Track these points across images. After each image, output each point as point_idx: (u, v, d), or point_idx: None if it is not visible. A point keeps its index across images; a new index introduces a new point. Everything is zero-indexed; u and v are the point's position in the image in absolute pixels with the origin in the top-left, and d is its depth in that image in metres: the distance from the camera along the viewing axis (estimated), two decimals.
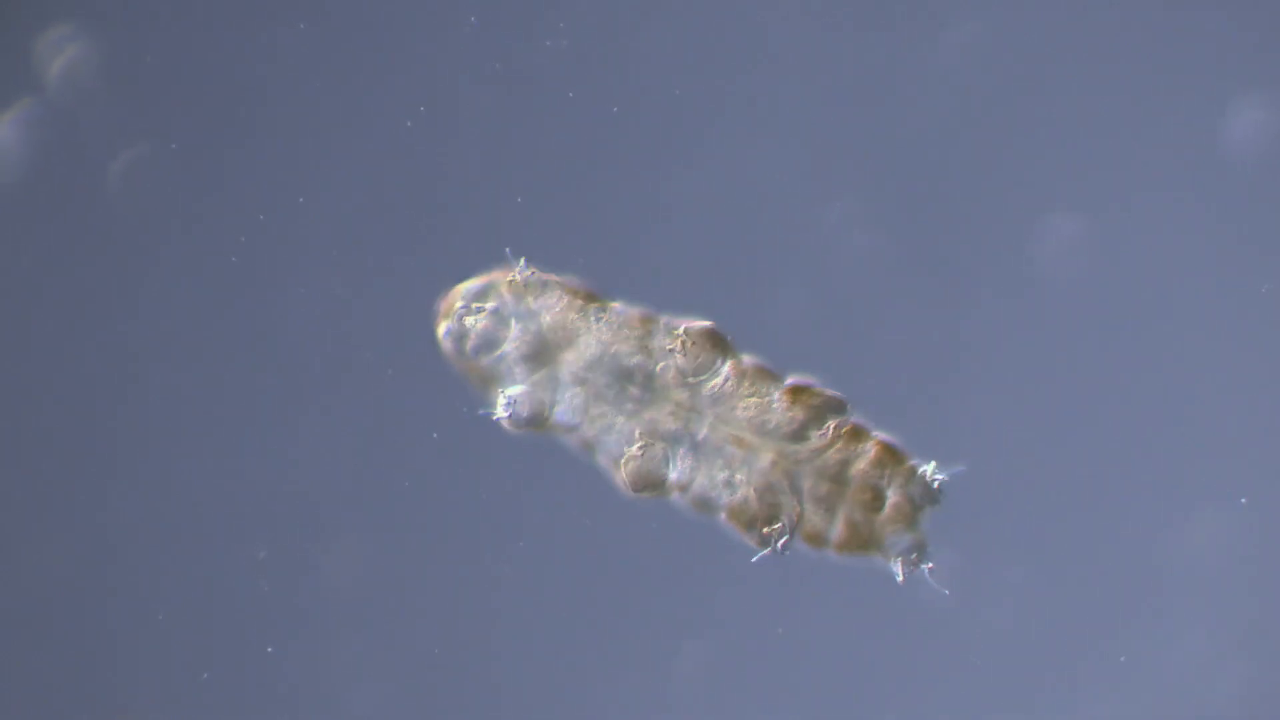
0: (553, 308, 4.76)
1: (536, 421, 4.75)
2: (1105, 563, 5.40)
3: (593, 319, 4.75)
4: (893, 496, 4.75)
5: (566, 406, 4.75)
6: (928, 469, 4.77)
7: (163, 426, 5.40)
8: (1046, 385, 5.43)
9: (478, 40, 5.38)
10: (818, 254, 5.41)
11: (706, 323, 4.78)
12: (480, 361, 4.75)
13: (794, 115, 5.45)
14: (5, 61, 5.38)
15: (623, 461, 4.74)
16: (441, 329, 4.77)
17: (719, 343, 4.74)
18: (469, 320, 4.75)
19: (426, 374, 4.93)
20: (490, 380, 4.77)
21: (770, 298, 5.34)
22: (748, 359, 4.79)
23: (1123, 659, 5.38)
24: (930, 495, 4.76)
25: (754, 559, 4.78)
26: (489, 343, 4.75)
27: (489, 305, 4.75)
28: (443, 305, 4.78)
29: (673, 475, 4.75)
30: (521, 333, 4.74)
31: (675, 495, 4.77)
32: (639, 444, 4.73)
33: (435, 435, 5.25)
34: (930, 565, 4.76)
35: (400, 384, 5.28)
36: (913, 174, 5.46)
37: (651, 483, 4.74)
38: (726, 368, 4.74)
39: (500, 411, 4.75)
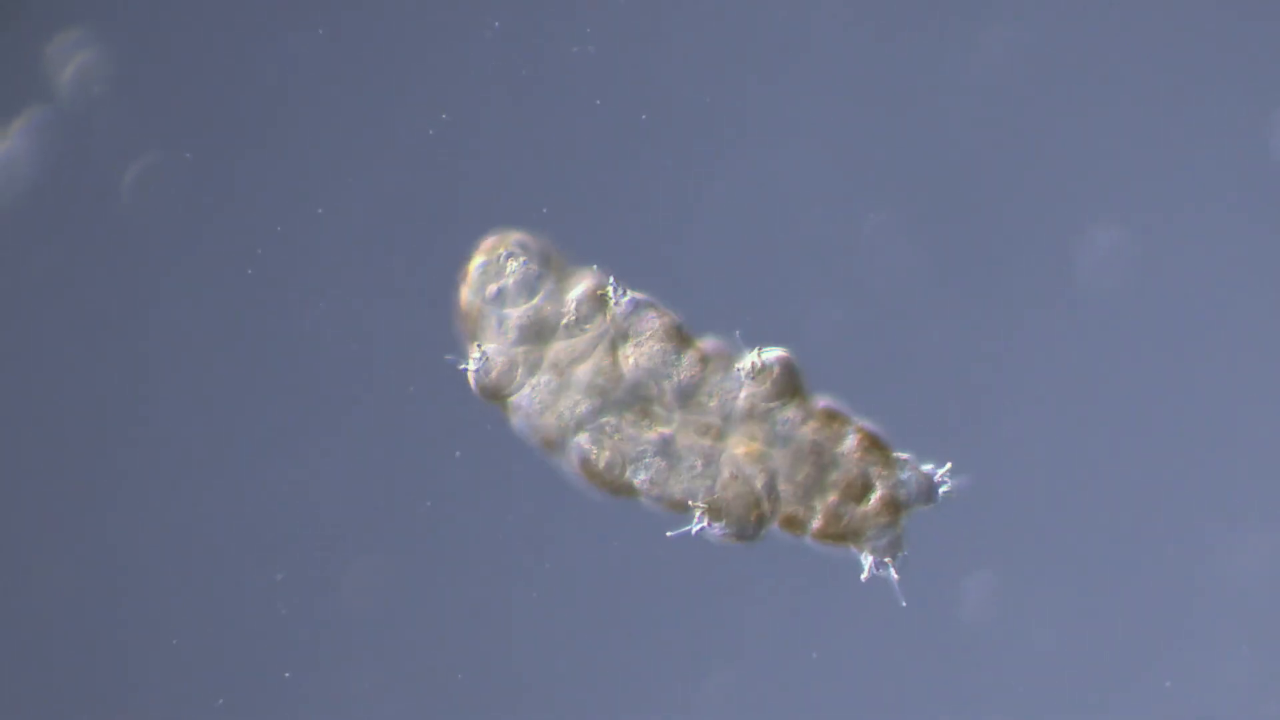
0: (577, 298, 4.68)
1: (498, 391, 4.65)
2: (1149, 585, 5.34)
3: (601, 317, 4.67)
4: (880, 488, 4.64)
5: (534, 391, 4.66)
6: (939, 470, 4.68)
7: (176, 443, 5.36)
8: (1088, 400, 5.38)
9: (501, 46, 5.34)
10: (852, 266, 5.36)
11: (667, 316, 4.68)
12: (488, 308, 4.66)
13: (828, 124, 5.41)
14: (15, 68, 5.35)
15: (583, 460, 4.66)
16: (478, 260, 4.69)
17: (677, 335, 4.67)
18: (511, 265, 4.67)
19: (449, 391, 4.86)
20: (480, 331, 4.67)
21: (804, 311, 5.29)
22: (708, 345, 4.71)
23: (1168, 684, 5.32)
24: (929, 495, 4.67)
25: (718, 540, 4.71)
26: (508, 297, 4.68)
27: (535, 265, 4.68)
28: (489, 241, 4.72)
29: (642, 477, 4.66)
30: (540, 305, 4.65)
31: (646, 498, 4.69)
32: (600, 443, 4.65)
33: (458, 454, 5.19)
34: (896, 574, 4.67)
35: (422, 401, 5.22)
36: (950, 184, 5.42)
37: (612, 483, 4.67)
38: (687, 358, 4.65)
39: (471, 364, 4.66)
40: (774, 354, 4.70)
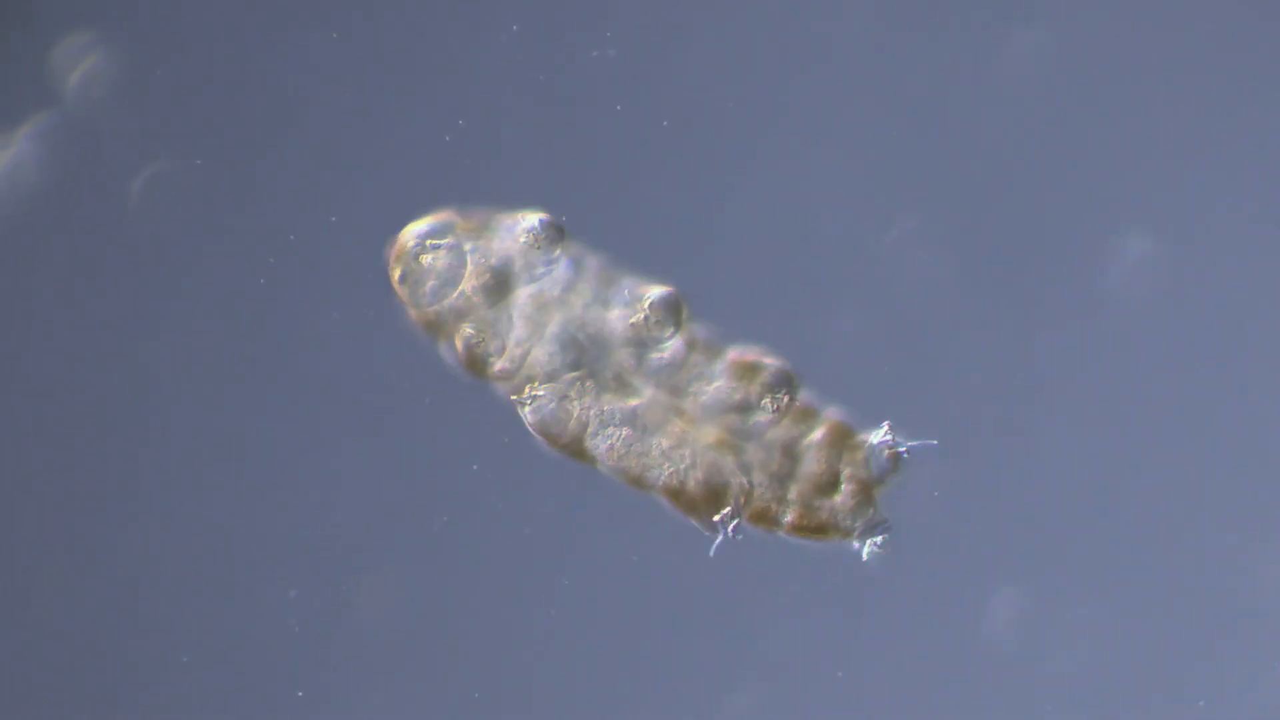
0: (511, 243, 4.64)
1: (478, 366, 4.62)
2: (1181, 599, 5.29)
3: (555, 261, 4.61)
4: (849, 477, 4.60)
5: (510, 348, 4.63)
6: (881, 435, 4.65)
7: (186, 456, 5.30)
8: (1117, 413, 5.33)
9: (519, 50, 5.28)
10: (877, 274, 5.31)
11: (667, 289, 4.65)
12: (439, 304, 4.64)
13: (852, 129, 5.36)
14: (22, 72, 5.29)
15: (542, 416, 4.62)
16: (396, 274, 4.65)
17: (676, 310, 4.60)
18: (426, 259, 4.63)
19: (466, 403, 4.82)
20: (443, 326, 4.63)
21: (827, 320, 5.24)
22: (700, 330, 4.68)
23: (1201, 704, 5.26)
24: (891, 465, 4.65)
25: (711, 548, 4.67)
26: (447, 282, 4.64)
27: (445, 242, 4.65)
28: (394, 248, 4.68)
29: (601, 441, 4.58)
30: (479, 268, 4.62)
31: (603, 465, 4.64)
32: (554, 392, 4.61)
33: (475, 467, 5.14)
34: (879, 540, 4.63)
35: (438, 413, 5.15)
36: (976, 190, 5.37)
37: (568, 442, 4.58)
38: (678, 338, 4.58)
39: (458, 347, 4.65)
40: (769, 359, 4.65)
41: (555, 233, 4.65)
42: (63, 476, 5.30)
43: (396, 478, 5.25)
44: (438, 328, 4.67)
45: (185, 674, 5.25)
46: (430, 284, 4.64)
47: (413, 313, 4.67)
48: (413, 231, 4.68)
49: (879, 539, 4.64)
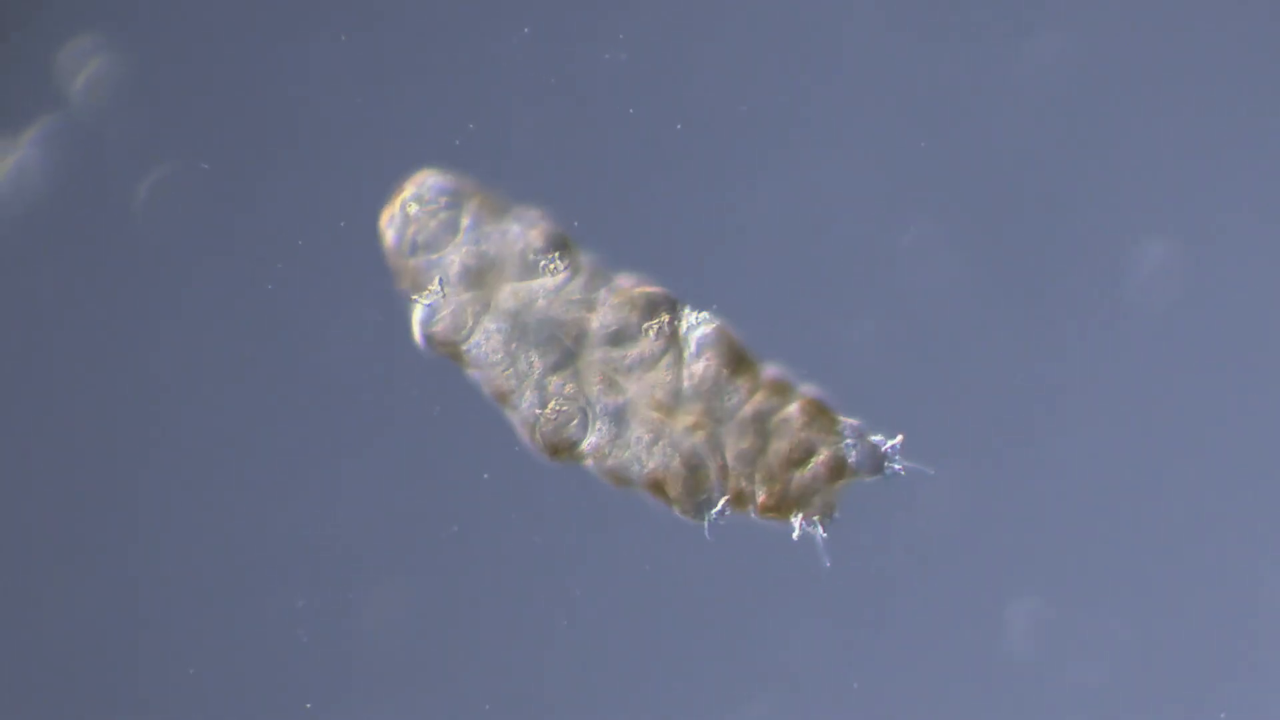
0: (513, 237, 4.60)
1: (449, 341, 4.58)
2: (1203, 609, 5.25)
3: (552, 262, 4.59)
4: (824, 453, 4.56)
5: (485, 338, 4.58)
6: (891, 441, 4.59)
7: (193, 463, 5.28)
8: (1138, 421, 5.30)
9: (531, 52, 5.24)
10: (893, 280, 5.27)
11: (652, 287, 4.63)
12: (416, 260, 4.59)
13: (868, 133, 5.34)
14: (27, 76, 5.27)
15: (535, 423, 4.58)
16: (389, 211, 4.64)
17: (648, 305, 4.58)
18: (412, 209, 4.60)
19: (476, 412, 4.77)
20: (421, 286, 4.62)
21: (842, 327, 5.22)
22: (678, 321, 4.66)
23: (1222, 716, 5.22)
24: (876, 466, 4.59)
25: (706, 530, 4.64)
26: (431, 243, 4.59)
27: (444, 203, 4.60)
28: (401, 187, 4.65)
29: (589, 441, 4.60)
30: (471, 245, 4.57)
31: (590, 463, 4.63)
32: (554, 404, 4.56)
33: (486, 476, 5.10)
34: (823, 533, 4.58)
35: (448, 421, 5.12)
36: (994, 194, 5.34)
37: (564, 449, 4.59)
38: (655, 331, 4.58)
39: (419, 311, 4.62)
40: (710, 331, 4.61)
41: (561, 254, 4.61)
42: (67, 482, 5.29)
43: (406, 486, 5.24)
44: (411, 282, 4.62)
45: (191, 685, 5.23)
46: (412, 234, 4.60)
47: (389, 256, 4.62)
48: (425, 178, 4.63)
49: (816, 523, 4.58)
